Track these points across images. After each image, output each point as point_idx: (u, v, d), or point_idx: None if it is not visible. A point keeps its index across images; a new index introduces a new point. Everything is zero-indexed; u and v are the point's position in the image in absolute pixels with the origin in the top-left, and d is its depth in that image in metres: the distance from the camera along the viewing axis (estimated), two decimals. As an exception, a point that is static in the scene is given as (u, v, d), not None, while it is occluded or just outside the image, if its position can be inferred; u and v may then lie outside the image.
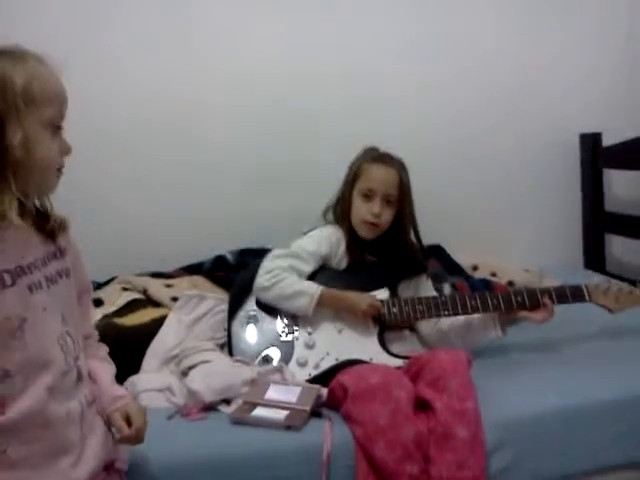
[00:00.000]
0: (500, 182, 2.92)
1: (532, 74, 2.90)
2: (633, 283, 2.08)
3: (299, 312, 1.93)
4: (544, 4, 2.88)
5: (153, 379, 1.84)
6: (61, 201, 1.19)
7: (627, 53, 2.98)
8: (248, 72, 2.60)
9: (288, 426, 1.59)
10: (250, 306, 2.00)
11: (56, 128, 1.11)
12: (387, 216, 2.01)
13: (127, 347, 1.87)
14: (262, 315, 1.98)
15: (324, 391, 1.72)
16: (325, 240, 2.04)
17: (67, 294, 1.20)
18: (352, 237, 2.05)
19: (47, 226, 1.16)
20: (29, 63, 1.07)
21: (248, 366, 1.83)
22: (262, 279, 1.96)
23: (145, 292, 2.25)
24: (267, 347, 1.91)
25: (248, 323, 1.97)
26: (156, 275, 2.41)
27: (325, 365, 1.85)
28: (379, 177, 2.01)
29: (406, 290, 2.06)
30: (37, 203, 1.16)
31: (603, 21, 2.94)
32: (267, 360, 1.88)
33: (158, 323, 2.06)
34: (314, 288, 1.92)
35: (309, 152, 2.65)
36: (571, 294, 2.00)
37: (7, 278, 1.06)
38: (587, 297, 2.01)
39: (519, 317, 1.96)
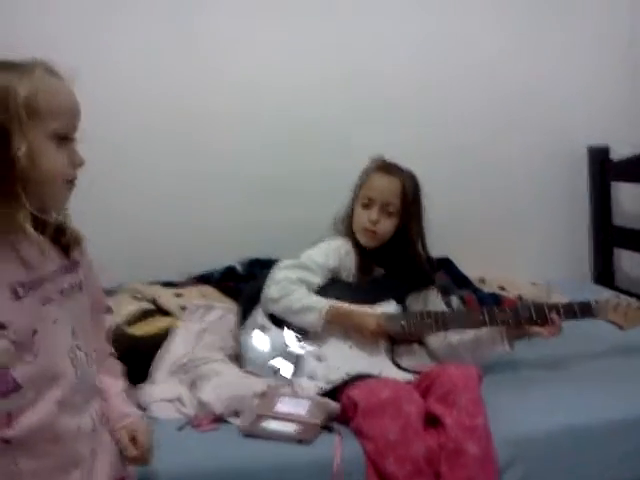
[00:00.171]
0: (508, 195, 2.92)
1: (536, 84, 2.90)
2: (643, 298, 2.08)
3: (308, 328, 1.92)
4: (546, 10, 2.88)
5: (164, 389, 1.84)
6: (71, 211, 1.18)
7: (629, 59, 2.98)
8: (252, 81, 2.62)
9: (298, 439, 1.59)
10: (260, 317, 2.00)
11: (63, 140, 1.09)
12: (387, 225, 2.01)
13: (136, 356, 1.86)
14: (271, 326, 1.98)
15: (334, 405, 1.72)
16: (333, 252, 2.04)
17: (79, 308, 1.19)
18: (359, 249, 2.06)
19: (63, 240, 1.16)
20: (35, 75, 1.06)
21: (258, 378, 1.83)
22: (270, 290, 1.96)
23: (155, 301, 2.25)
24: (276, 359, 1.91)
25: (258, 334, 1.96)
26: (166, 284, 2.41)
27: (335, 379, 1.84)
28: (379, 186, 2.02)
29: (415, 303, 2.06)
30: (55, 216, 1.16)
31: (604, 26, 2.94)
32: (277, 372, 1.88)
33: (167, 332, 2.07)
34: (322, 304, 1.91)
35: (316, 161, 2.66)
36: (580, 310, 1.99)
37: (20, 290, 1.06)
38: (596, 313, 2.00)
39: (527, 332, 1.95)
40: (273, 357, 1.92)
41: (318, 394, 1.80)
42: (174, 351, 2.00)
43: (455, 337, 2.03)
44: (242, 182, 2.63)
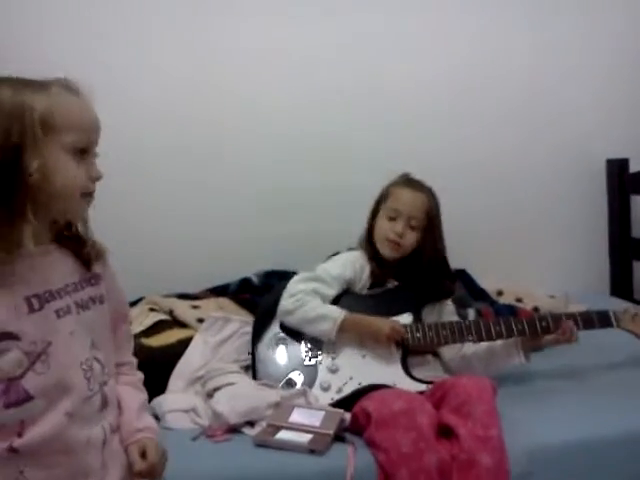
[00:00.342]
0: (526, 207, 2.91)
1: (554, 97, 2.90)
2: (661, 310, 2.05)
3: (322, 336, 1.93)
4: (562, 15, 2.88)
5: (179, 400, 1.85)
6: (91, 225, 1.20)
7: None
8: (265, 96, 2.65)
9: (312, 450, 1.59)
10: (275, 329, 2.01)
11: (82, 154, 1.10)
12: (410, 238, 2.02)
13: (153, 367, 1.85)
14: (286, 339, 1.99)
15: (347, 415, 1.73)
16: (350, 264, 2.06)
17: (99, 320, 1.19)
18: (376, 261, 2.06)
19: (84, 252, 1.17)
20: (52, 91, 1.07)
21: (272, 389, 1.84)
22: (286, 302, 1.97)
23: (171, 313, 2.27)
24: (291, 371, 1.92)
25: (273, 346, 1.98)
26: (182, 296, 2.43)
27: (348, 389, 1.85)
28: (406, 199, 2.04)
29: (430, 315, 2.06)
30: (75, 229, 1.17)
31: (623, 37, 2.94)
32: (290, 384, 1.89)
33: (184, 344, 2.09)
34: (337, 312, 1.93)
35: (331, 175, 2.67)
36: (598, 319, 1.99)
37: (35, 302, 1.07)
38: (614, 323, 2.00)
39: (543, 343, 1.95)
40: (288, 369, 1.93)
41: (331, 404, 1.81)
42: (191, 362, 2.02)
43: (470, 349, 2.03)
44: (257, 195, 2.66)
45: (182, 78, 2.59)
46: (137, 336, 2.06)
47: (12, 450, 1.05)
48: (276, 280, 2.43)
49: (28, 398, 1.06)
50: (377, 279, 2.05)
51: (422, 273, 2.05)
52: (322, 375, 1.90)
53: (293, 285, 2.00)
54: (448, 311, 2.12)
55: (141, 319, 2.19)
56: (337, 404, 1.81)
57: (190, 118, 2.60)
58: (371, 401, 1.68)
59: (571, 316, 1.97)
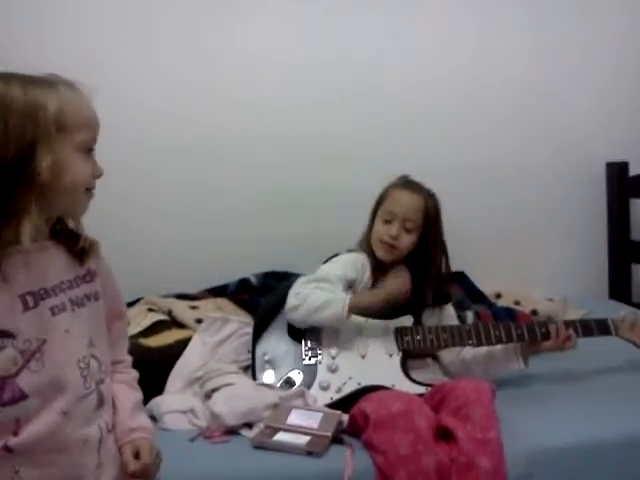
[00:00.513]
0: (526, 210, 2.92)
1: (554, 99, 2.90)
2: (660, 315, 2.06)
3: (334, 321, 1.91)
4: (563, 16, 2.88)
5: (176, 401, 1.85)
6: (88, 225, 1.19)
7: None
8: (265, 97, 2.65)
9: (309, 452, 1.59)
10: (276, 329, 2.01)
11: (89, 151, 1.13)
12: (406, 241, 2.02)
13: (151, 368, 1.85)
14: (288, 339, 1.98)
15: (345, 417, 1.73)
16: (351, 265, 2.05)
17: (95, 317, 1.19)
18: (375, 263, 2.06)
19: (77, 248, 1.17)
20: (61, 90, 1.09)
21: (271, 390, 1.84)
22: (291, 300, 1.95)
23: (170, 313, 2.27)
24: (290, 370, 1.92)
25: (273, 346, 1.98)
26: (181, 297, 2.43)
27: (347, 390, 1.86)
28: (401, 202, 2.03)
29: (430, 318, 2.06)
30: (71, 225, 1.17)
31: (625, 37, 2.95)
32: (289, 383, 1.89)
33: (182, 344, 2.08)
34: (343, 295, 1.92)
35: (330, 176, 2.67)
36: (597, 327, 2.00)
37: (30, 300, 1.07)
38: (613, 331, 2.00)
39: (542, 348, 1.96)
40: (288, 369, 1.93)
41: (329, 404, 1.81)
42: (190, 363, 2.02)
43: (469, 353, 2.03)
44: (256, 196, 2.66)
45: (182, 79, 2.59)
46: (135, 336, 2.07)
47: (7, 449, 1.04)
48: (275, 281, 2.44)
49: (23, 396, 1.05)
50: (378, 281, 2.05)
51: (421, 276, 2.05)
52: (321, 374, 1.90)
53: (297, 286, 1.99)
54: (448, 315, 2.12)
55: (139, 319, 2.19)
56: (336, 404, 1.81)
57: (190, 119, 2.60)
58: (369, 403, 1.68)
59: (570, 323, 1.98)
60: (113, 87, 2.34)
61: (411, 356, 1.96)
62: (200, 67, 2.61)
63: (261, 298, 2.31)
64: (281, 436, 1.64)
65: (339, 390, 1.86)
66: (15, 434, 1.05)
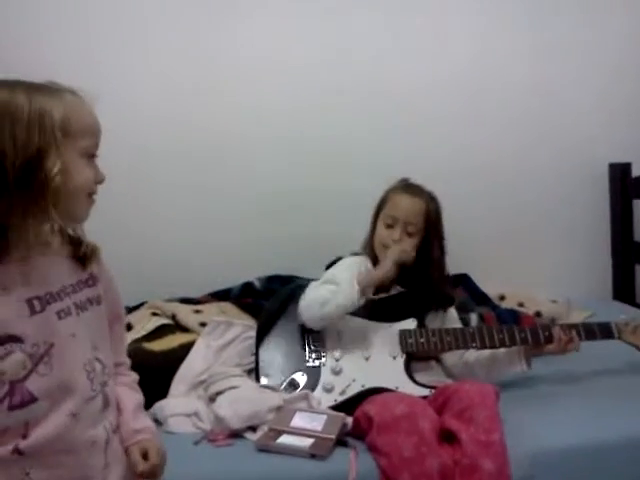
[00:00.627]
0: (529, 212, 2.91)
1: (556, 100, 2.90)
2: (663, 315, 2.06)
3: (349, 304, 1.89)
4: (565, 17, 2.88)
5: (181, 404, 1.86)
6: (91, 230, 1.21)
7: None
8: (266, 100, 2.65)
9: (313, 454, 1.59)
10: (279, 333, 2.02)
11: (91, 157, 1.14)
12: (408, 244, 2.02)
13: (155, 372, 1.88)
14: (291, 342, 1.99)
15: (349, 420, 1.73)
16: (356, 267, 2.05)
17: (98, 321, 1.21)
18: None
19: (79, 253, 1.18)
20: (66, 97, 1.10)
21: (275, 392, 1.84)
22: (303, 303, 1.95)
23: (174, 317, 2.28)
24: (294, 372, 1.93)
25: (277, 349, 1.98)
26: (185, 301, 2.44)
27: (351, 392, 1.86)
28: (403, 206, 2.03)
29: (433, 321, 2.06)
30: (70, 231, 1.19)
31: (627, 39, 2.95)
32: (293, 385, 1.90)
33: (186, 348, 2.09)
34: (347, 278, 1.92)
35: (332, 178, 2.68)
36: (599, 330, 2.00)
37: (37, 304, 1.09)
38: (615, 334, 2.01)
39: (545, 351, 1.96)
40: (291, 371, 1.93)
41: (333, 406, 1.82)
42: (194, 367, 2.02)
43: (472, 355, 2.04)
44: (258, 199, 2.67)
45: (182, 82, 2.60)
46: (139, 340, 2.08)
47: (18, 452, 1.06)
48: (279, 284, 2.44)
49: (32, 400, 1.07)
50: (381, 285, 2.05)
51: (424, 279, 2.05)
52: (325, 377, 1.90)
53: (307, 292, 1.99)
54: (451, 318, 2.12)
55: (143, 323, 2.19)
56: (339, 406, 1.82)
57: (190, 123, 2.61)
58: (373, 405, 1.68)
59: (573, 327, 1.99)
60: (112, 89, 2.34)
61: (415, 358, 1.96)
62: (200, 68, 2.61)
63: (265, 302, 2.31)
64: (285, 439, 1.64)
65: (343, 392, 1.86)
66: (25, 437, 1.06)
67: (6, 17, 2.46)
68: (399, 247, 1.99)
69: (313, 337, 1.98)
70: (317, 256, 2.15)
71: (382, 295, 2.05)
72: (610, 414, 1.78)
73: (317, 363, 1.94)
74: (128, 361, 1.36)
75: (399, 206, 2.04)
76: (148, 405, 1.69)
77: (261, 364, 1.96)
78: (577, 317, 2.50)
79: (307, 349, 1.97)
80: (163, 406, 1.83)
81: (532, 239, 2.92)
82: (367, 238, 2.12)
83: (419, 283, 2.06)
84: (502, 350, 1.99)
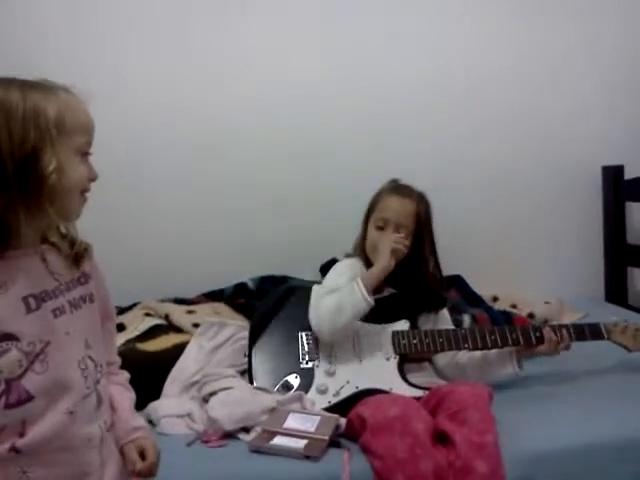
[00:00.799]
0: (522, 213, 2.92)
1: (550, 102, 2.90)
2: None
3: (362, 309, 1.89)
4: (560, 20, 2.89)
5: (174, 405, 1.85)
6: (84, 228, 1.21)
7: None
8: (266, 96, 2.65)
9: (307, 456, 1.59)
10: (273, 333, 2.01)
11: (85, 154, 1.15)
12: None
13: (148, 372, 1.88)
14: (285, 343, 1.99)
15: (343, 421, 1.72)
16: (349, 270, 2.05)
17: (91, 319, 1.21)
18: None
19: (72, 251, 1.18)
20: (60, 95, 1.11)
21: (268, 394, 1.84)
22: (316, 319, 1.93)
23: (167, 318, 2.27)
24: (287, 374, 1.92)
25: (270, 350, 1.98)
26: (178, 301, 2.44)
27: (345, 393, 1.85)
28: (393, 207, 2.03)
29: (426, 323, 2.06)
30: (63, 229, 1.19)
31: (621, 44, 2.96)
32: (287, 387, 1.89)
33: (179, 349, 2.08)
34: (348, 284, 1.92)
35: (330, 179, 2.68)
36: (589, 331, 2.01)
37: (32, 302, 1.09)
38: (605, 335, 2.02)
39: (536, 352, 1.97)
40: (284, 372, 1.93)
41: (327, 408, 1.81)
42: (187, 367, 2.02)
43: (465, 356, 2.03)
44: (252, 201, 2.66)
45: (186, 80, 2.60)
46: (132, 341, 2.08)
47: (15, 450, 1.06)
48: (272, 285, 2.44)
49: (29, 398, 1.07)
50: (384, 279, 2.04)
51: (416, 280, 2.05)
52: (319, 378, 1.90)
53: (315, 307, 1.96)
54: (444, 319, 2.12)
55: (136, 324, 2.19)
56: (333, 407, 1.81)
57: (189, 123, 2.61)
58: (366, 407, 1.68)
59: (564, 327, 2.00)
60: (109, 87, 2.37)
61: (408, 360, 1.96)
62: (199, 68, 2.61)
63: (258, 302, 2.31)
64: (278, 440, 1.64)
65: (337, 394, 1.86)
66: (22, 435, 1.07)
67: (6, 17, 2.45)
68: (389, 236, 1.97)
69: (307, 338, 1.98)
70: (312, 257, 2.15)
71: (375, 297, 2.05)
72: (603, 414, 1.78)
73: (311, 365, 1.93)
74: (119, 360, 1.36)
75: (390, 208, 2.03)
76: (142, 406, 1.69)
77: (254, 365, 1.96)
78: (570, 318, 2.51)
79: (301, 350, 1.96)
80: (156, 407, 1.83)
81: (525, 241, 2.93)
82: (358, 241, 2.11)
83: (411, 284, 2.05)
84: (494, 351, 1.99)
